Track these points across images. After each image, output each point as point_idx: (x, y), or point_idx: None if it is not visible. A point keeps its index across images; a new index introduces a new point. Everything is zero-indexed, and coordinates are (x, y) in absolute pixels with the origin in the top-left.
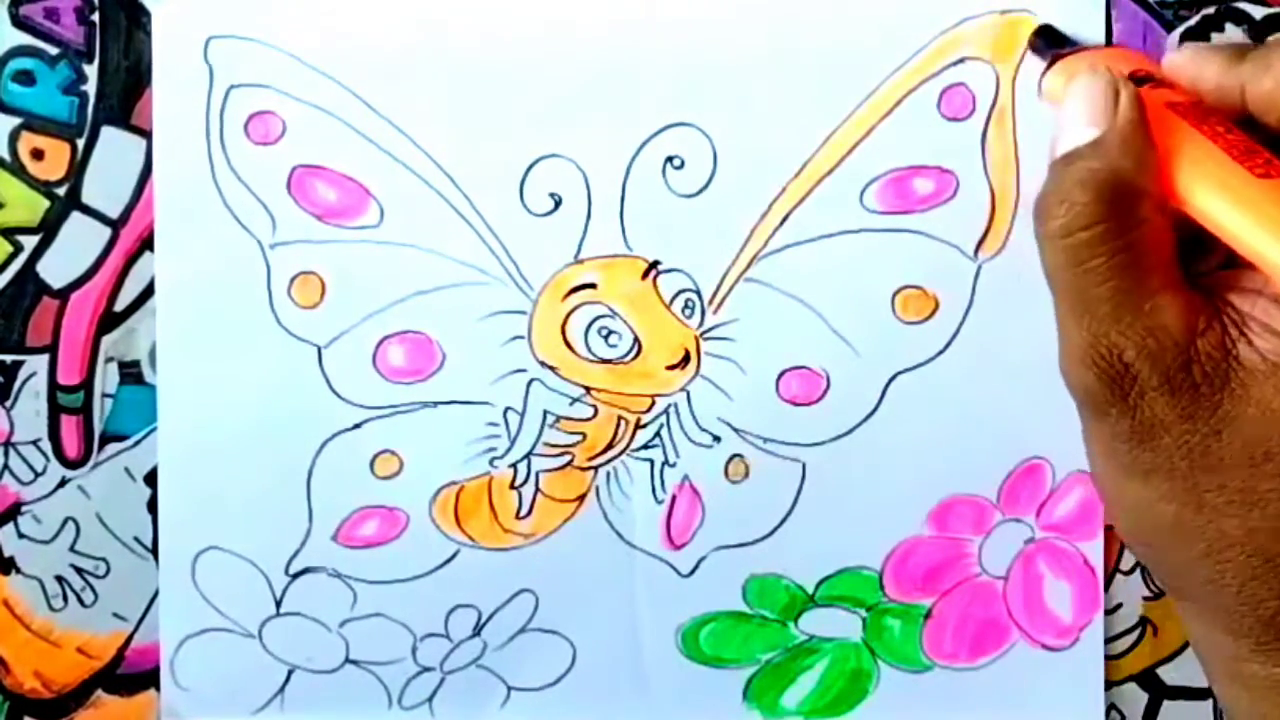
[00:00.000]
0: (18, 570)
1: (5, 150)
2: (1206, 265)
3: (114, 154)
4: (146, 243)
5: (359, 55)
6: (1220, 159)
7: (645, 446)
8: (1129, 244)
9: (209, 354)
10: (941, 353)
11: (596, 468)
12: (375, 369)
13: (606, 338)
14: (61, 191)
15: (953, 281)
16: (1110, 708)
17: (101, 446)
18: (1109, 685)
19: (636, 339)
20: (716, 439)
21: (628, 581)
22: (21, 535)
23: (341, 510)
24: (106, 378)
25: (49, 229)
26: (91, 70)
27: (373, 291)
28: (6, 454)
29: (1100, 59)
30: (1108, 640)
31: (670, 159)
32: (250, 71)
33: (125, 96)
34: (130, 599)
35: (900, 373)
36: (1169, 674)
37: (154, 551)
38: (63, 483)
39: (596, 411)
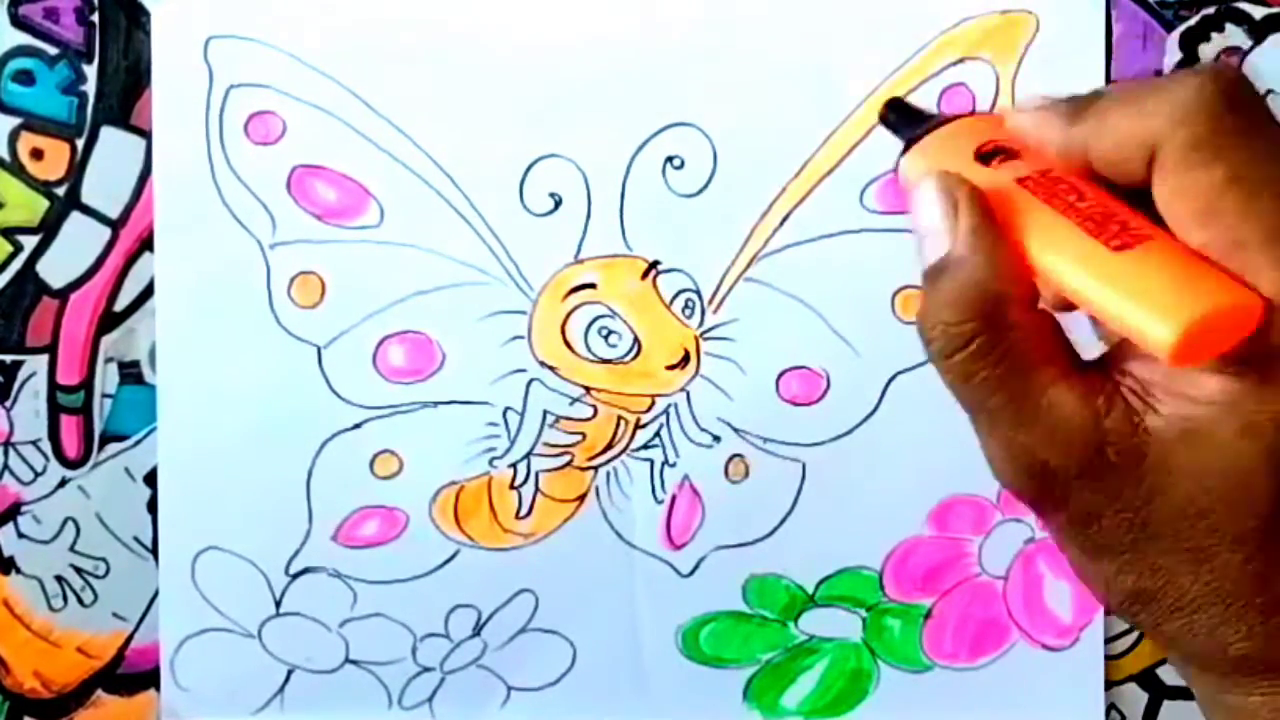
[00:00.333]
0: (18, 570)
1: (5, 150)
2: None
3: (114, 154)
4: (146, 243)
5: (359, 55)
6: (1074, 236)
7: (645, 446)
8: (1006, 351)
9: (209, 354)
10: None
11: (596, 468)
12: (375, 369)
13: (606, 338)
14: (61, 191)
15: None
16: (1110, 708)
17: (101, 446)
18: (1109, 685)
19: (636, 339)
20: (716, 439)
21: (628, 581)
22: (21, 535)
23: (341, 510)
24: (106, 378)
25: (49, 229)
26: (91, 70)
27: (373, 291)
28: (6, 454)
29: (951, 139)
30: (1108, 640)
31: (670, 159)
32: (250, 71)
33: (125, 96)
34: (130, 599)
35: (900, 373)
36: (1169, 674)
37: (154, 551)
38: (63, 483)
39: (596, 411)
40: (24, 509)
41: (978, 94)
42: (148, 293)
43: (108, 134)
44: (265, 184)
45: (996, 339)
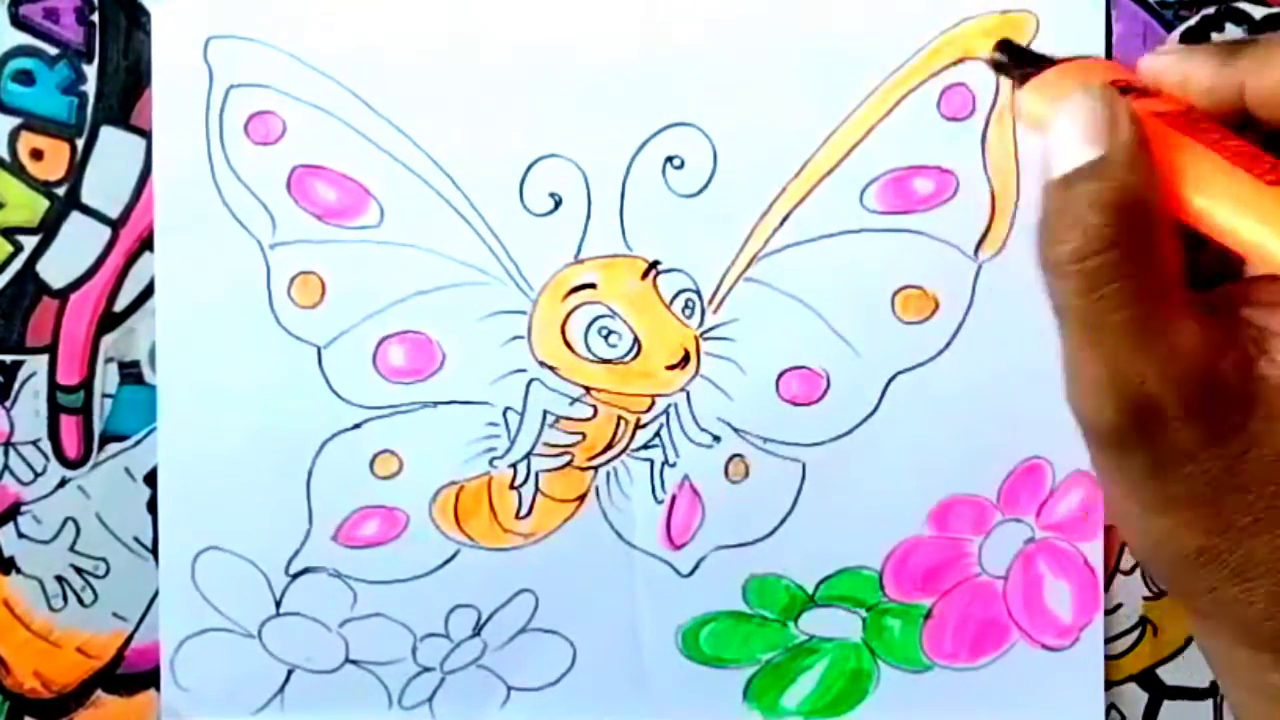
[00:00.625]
0: (18, 570)
1: (5, 150)
2: (1207, 282)
3: (114, 154)
4: (146, 243)
5: (359, 55)
6: (1225, 168)
7: (645, 446)
8: (1146, 267)
9: (209, 354)
10: (941, 353)
11: (596, 468)
12: (375, 369)
13: (606, 337)
14: (61, 191)
15: (953, 281)
16: (1110, 708)
17: (101, 446)
18: (1109, 685)
19: (636, 339)
20: (716, 439)
21: (628, 581)
22: (21, 535)
23: (341, 510)
24: (106, 378)
25: (49, 229)
26: (91, 70)
27: (373, 291)
28: (6, 454)
29: (1079, 72)
30: (1108, 640)
31: (670, 159)
32: (250, 71)
33: (125, 96)
34: (130, 599)
35: (900, 373)
36: (1169, 674)
37: (154, 551)
38: (63, 483)
39: (596, 411)
40: (24, 509)
41: (978, 94)
42: (148, 293)
43: (108, 134)
44: (265, 184)
45: (1139, 250)
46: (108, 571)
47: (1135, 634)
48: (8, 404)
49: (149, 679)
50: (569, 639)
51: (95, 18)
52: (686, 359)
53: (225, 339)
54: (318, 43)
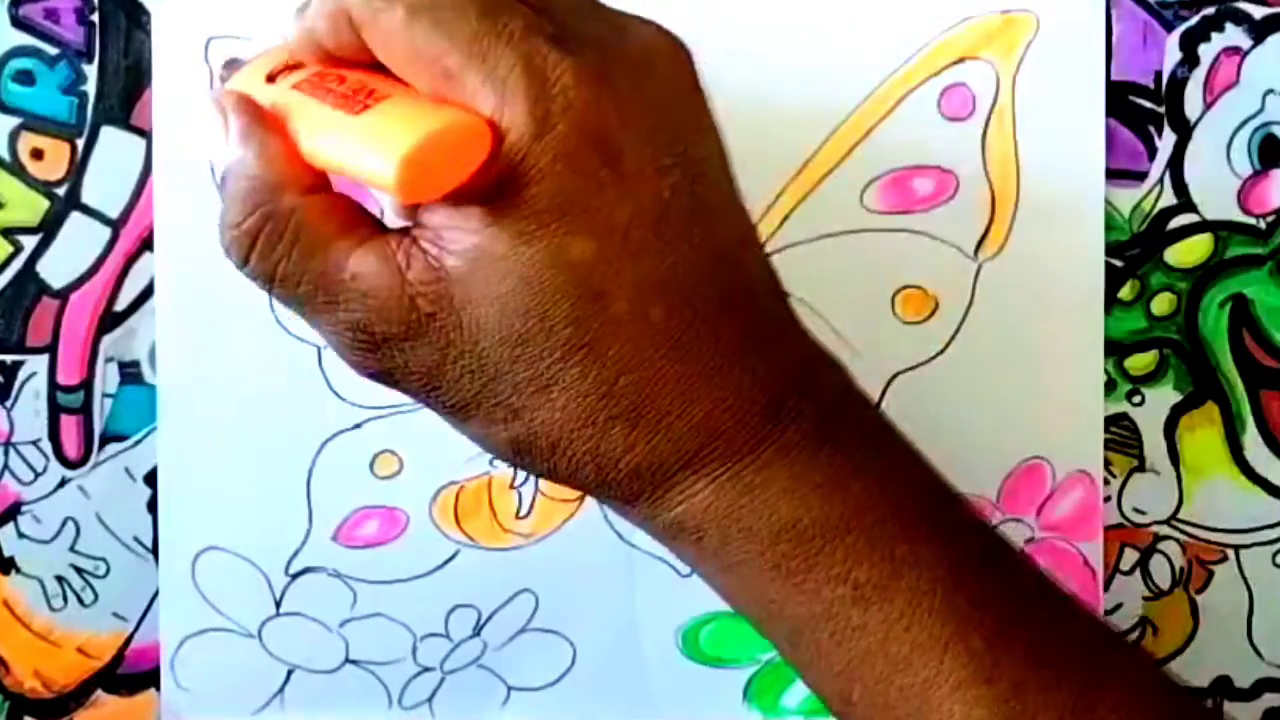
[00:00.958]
0: (18, 570)
1: (5, 150)
2: None
3: (114, 154)
4: (146, 243)
5: None
6: (324, 114)
7: None
8: (294, 232)
9: (209, 354)
10: (941, 353)
11: None
12: None
13: None
14: (61, 191)
15: (953, 281)
16: None
17: (101, 446)
18: None
19: None
20: None
21: (628, 581)
22: (21, 535)
23: (341, 510)
24: (106, 378)
25: (49, 229)
26: (91, 70)
27: None
28: (6, 454)
29: (247, 73)
30: None
31: None
32: None
33: (125, 96)
34: (130, 599)
35: (900, 372)
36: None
37: (154, 551)
38: (63, 483)
39: None
40: (24, 509)
41: (978, 94)
42: (148, 293)
43: (108, 134)
44: None
45: (280, 223)
46: (108, 571)
47: (1135, 634)
48: (8, 404)
49: (149, 679)
50: (569, 639)
51: (95, 18)
52: None
53: (225, 339)
54: None
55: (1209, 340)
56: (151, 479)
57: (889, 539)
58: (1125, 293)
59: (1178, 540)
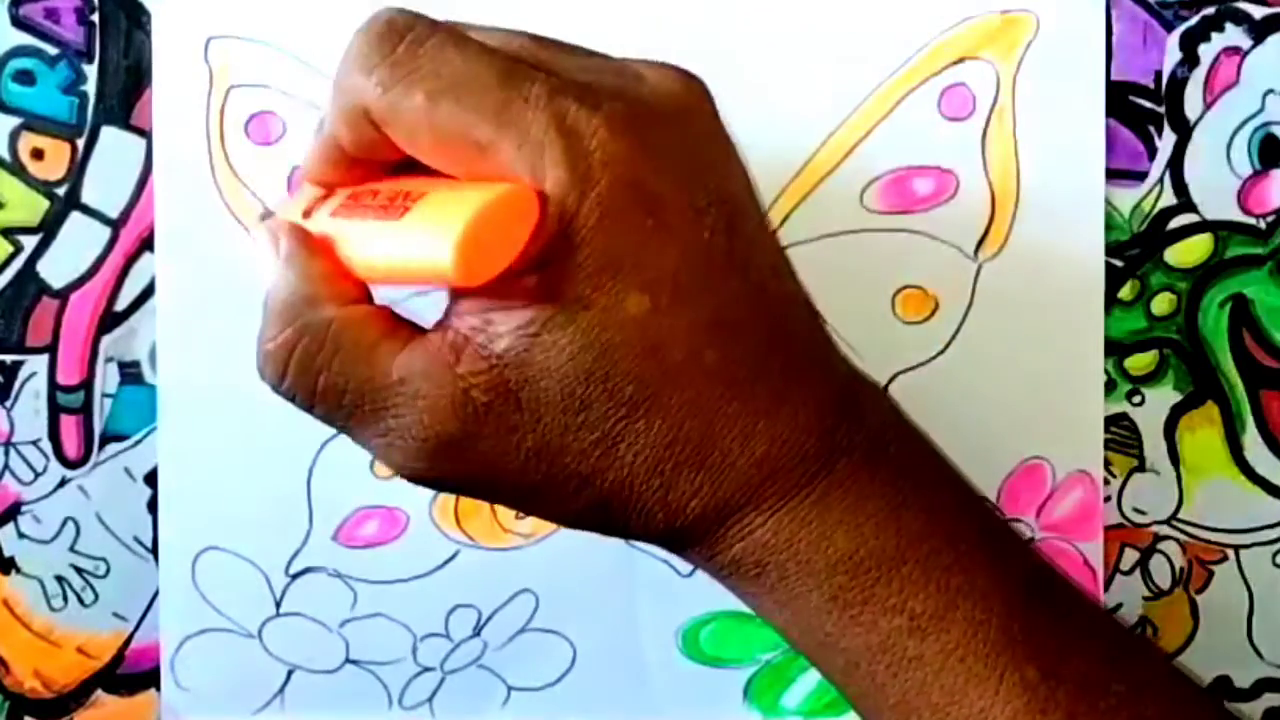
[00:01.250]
0: (18, 570)
1: (5, 150)
2: None
3: (114, 154)
4: (146, 243)
5: None
6: (367, 229)
7: None
8: (333, 343)
9: (209, 354)
10: (941, 353)
11: None
12: None
13: None
14: (61, 191)
15: (953, 281)
16: None
17: (101, 446)
18: None
19: None
20: None
21: (628, 581)
22: (21, 535)
23: (341, 510)
24: (106, 378)
25: (49, 229)
26: (91, 70)
27: (372, 290)
28: (6, 454)
29: (285, 207)
30: None
31: None
32: (250, 71)
33: (125, 96)
34: (130, 599)
35: (900, 373)
36: None
37: (154, 551)
38: (63, 483)
39: None
40: (24, 509)
41: (978, 94)
42: (148, 293)
43: (108, 134)
44: (265, 184)
45: (319, 333)
46: (108, 571)
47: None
48: (8, 404)
49: (149, 679)
50: (569, 639)
51: (95, 18)
52: None
53: (225, 339)
54: (318, 43)
55: (1209, 340)
56: (151, 479)
57: (944, 568)
58: (1125, 293)
59: (1178, 540)
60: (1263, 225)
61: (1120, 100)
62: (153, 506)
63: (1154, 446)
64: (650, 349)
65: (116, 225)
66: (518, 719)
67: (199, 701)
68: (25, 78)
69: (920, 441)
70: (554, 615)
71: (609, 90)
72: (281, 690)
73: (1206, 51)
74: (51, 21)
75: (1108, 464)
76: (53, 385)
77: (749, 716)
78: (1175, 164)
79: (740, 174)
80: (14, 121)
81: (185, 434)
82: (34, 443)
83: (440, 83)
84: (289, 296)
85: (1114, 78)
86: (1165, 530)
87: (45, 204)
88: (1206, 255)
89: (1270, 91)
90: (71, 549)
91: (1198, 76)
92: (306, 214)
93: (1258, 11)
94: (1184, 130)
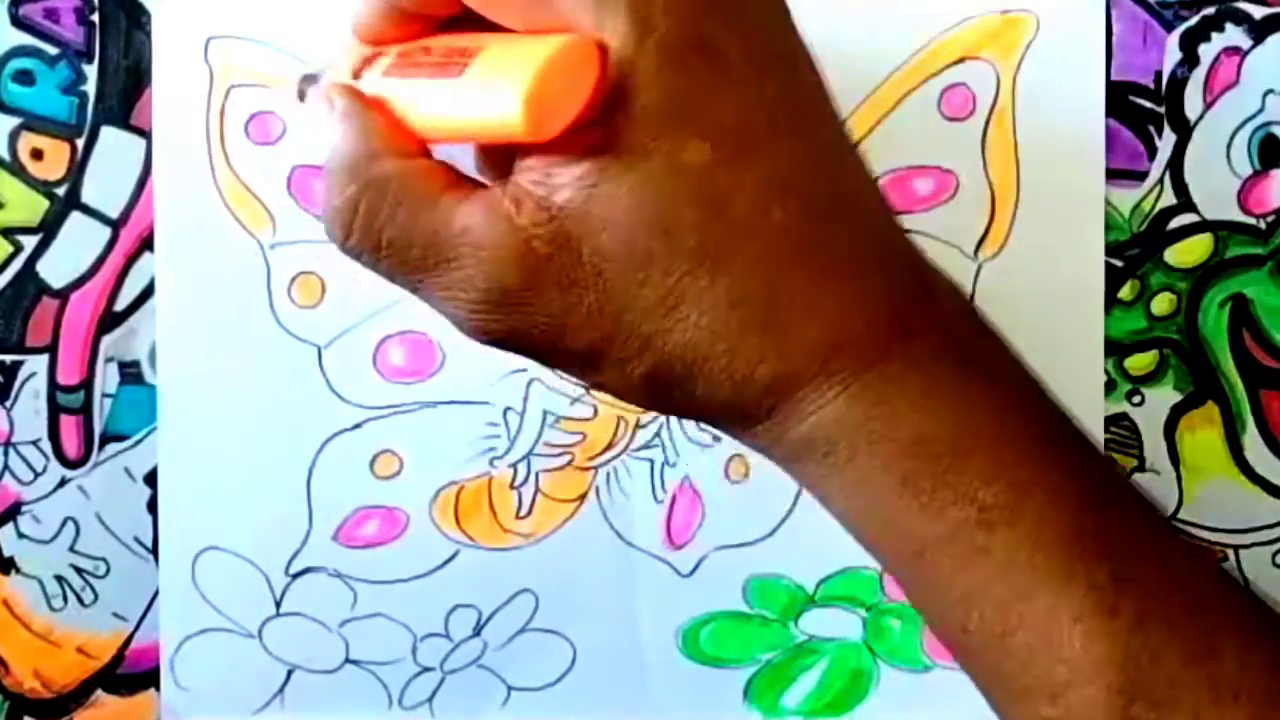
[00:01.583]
0: (18, 570)
1: (5, 150)
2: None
3: (114, 154)
4: (146, 243)
5: None
6: (424, 87)
7: (645, 446)
8: (395, 195)
9: (209, 354)
10: None
11: (596, 468)
12: (375, 369)
13: None
14: (61, 191)
15: None
16: None
17: (101, 446)
18: None
19: None
20: (716, 439)
21: (628, 581)
22: (21, 535)
23: (341, 510)
24: (106, 378)
25: (49, 229)
26: (91, 70)
27: (372, 291)
28: (6, 454)
29: (327, 75)
30: None
31: None
32: (250, 71)
33: (125, 96)
34: (130, 599)
35: None
36: None
37: (154, 551)
38: (63, 483)
39: (596, 411)
40: (24, 509)
41: (978, 94)
42: (148, 293)
43: (108, 134)
44: (265, 184)
45: (382, 187)
46: (108, 571)
47: None
48: (8, 404)
49: (149, 679)
50: (569, 639)
51: (95, 18)
52: None
53: (225, 339)
54: (318, 43)
55: (1209, 340)
56: (151, 479)
57: (1016, 462)
58: (1125, 293)
59: None
60: (1263, 225)
61: (1120, 100)
62: (153, 506)
63: (1154, 446)
64: (712, 200)
65: (116, 225)
66: (518, 719)
67: (199, 701)
68: (25, 78)
69: (998, 342)
70: (554, 615)
71: None
72: (281, 690)
73: (1206, 51)
74: (51, 21)
75: None
76: (53, 385)
77: (749, 716)
78: (1175, 164)
79: (801, 43)
80: (14, 121)
81: (185, 434)
82: (34, 443)
83: None
84: (349, 154)
85: (1114, 78)
86: None
87: (45, 204)
88: (1206, 255)
89: (1270, 91)
90: (71, 549)
91: (1198, 76)
92: (355, 75)
93: (1258, 11)
94: (1184, 130)
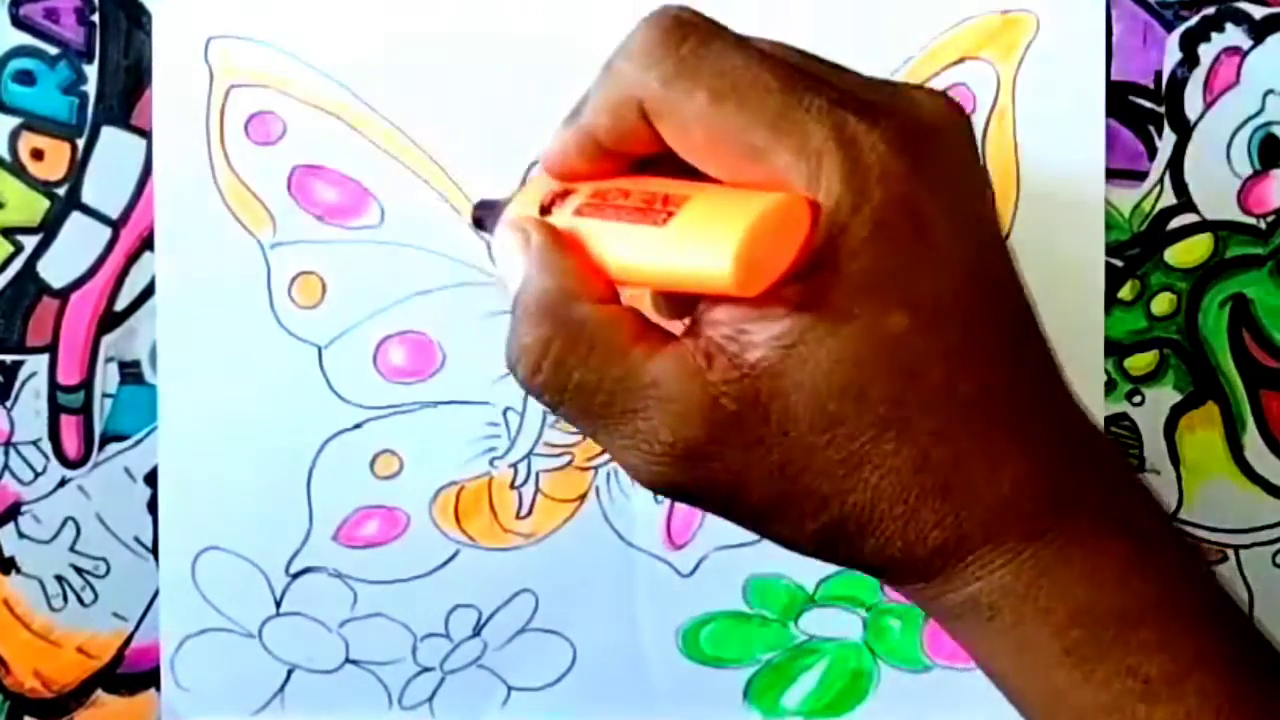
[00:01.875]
0: (18, 570)
1: (5, 150)
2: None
3: (114, 154)
4: (146, 243)
5: (358, 55)
6: (625, 231)
7: None
8: (588, 342)
9: (209, 354)
10: None
11: (596, 468)
12: (375, 369)
13: None
14: (61, 191)
15: None
16: None
17: (101, 446)
18: None
19: None
20: None
21: (628, 581)
22: (21, 535)
23: (341, 510)
24: (106, 378)
25: (49, 229)
26: (91, 70)
27: (373, 291)
28: (6, 454)
29: (515, 208)
30: None
31: None
32: (250, 71)
33: (125, 96)
34: (130, 599)
35: None
36: None
37: (154, 551)
38: (63, 483)
39: None
40: (24, 509)
41: (978, 94)
42: (148, 293)
43: (108, 134)
44: (265, 184)
45: (575, 332)
46: (108, 571)
47: None
48: (8, 404)
49: (149, 679)
50: (569, 639)
51: (95, 18)
52: None
53: (225, 339)
54: (317, 43)
55: (1209, 340)
56: (151, 479)
57: (1179, 635)
58: (1125, 293)
59: None
60: (1263, 225)
61: (1120, 100)
62: (153, 506)
63: (1154, 446)
64: (908, 370)
65: (116, 225)
66: (517, 719)
67: (199, 701)
68: (25, 78)
69: (1157, 504)
70: (554, 615)
71: (885, 107)
72: (281, 690)
73: (1206, 51)
74: (51, 21)
75: None
76: (53, 385)
77: (749, 716)
78: (1175, 164)
79: (994, 209)
80: (14, 121)
81: (185, 434)
82: (34, 443)
83: (723, 83)
84: (545, 293)
85: (1114, 78)
86: None
87: (45, 204)
88: (1206, 255)
89: (1270, 91)
90: (71, 549)
91: (1198, 76)
92: (544, 210)
93: (1258, 11)
94: (1184, 130)
